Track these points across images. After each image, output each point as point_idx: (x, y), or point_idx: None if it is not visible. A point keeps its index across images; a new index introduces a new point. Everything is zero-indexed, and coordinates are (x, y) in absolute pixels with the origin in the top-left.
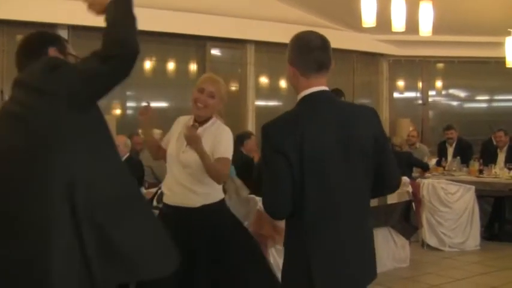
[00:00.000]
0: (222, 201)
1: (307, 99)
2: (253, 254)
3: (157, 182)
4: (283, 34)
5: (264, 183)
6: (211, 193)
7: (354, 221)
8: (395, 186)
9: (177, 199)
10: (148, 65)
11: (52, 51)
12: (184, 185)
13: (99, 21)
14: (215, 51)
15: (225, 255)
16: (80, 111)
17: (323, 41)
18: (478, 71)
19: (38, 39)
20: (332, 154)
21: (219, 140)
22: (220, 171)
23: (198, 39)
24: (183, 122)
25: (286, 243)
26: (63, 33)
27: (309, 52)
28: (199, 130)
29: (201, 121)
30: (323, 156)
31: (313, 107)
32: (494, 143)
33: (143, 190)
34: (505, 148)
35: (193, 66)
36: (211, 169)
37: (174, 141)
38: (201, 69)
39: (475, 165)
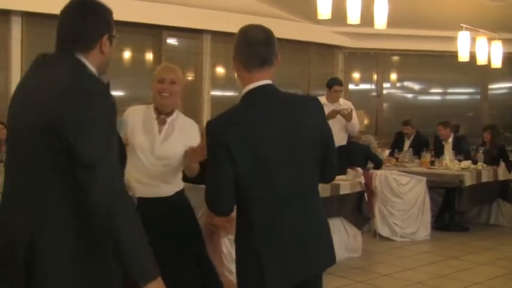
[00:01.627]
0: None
1: (251, 94)
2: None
3: None
4: (240, 24)
5: (208, 179)
6: (180, 180)
7: (304, 211)
8: (330, 179)
9: (149, 191)
10: None
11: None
12: (158, 177)
13: (55, 8)
14: (171, 41)
15: (192, 238)
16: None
17: (267, 36)
18: (431, 65)
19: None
20: (277, 148)
21: (191, 139)
22: (196, 170)
23: (153, 29)
24: (140, 111)
25: (237, 240)
26: (17, 21)
27: (250, 47)
28: (168, 122)
29: (166, 112)
30: (268, 150)
31: (257, 101)
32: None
33: None
34: (450, 140)
35: (149, 56)
36: (193, 169)
37: (141, 133)
38: (157, 58)
39: (427, 156)
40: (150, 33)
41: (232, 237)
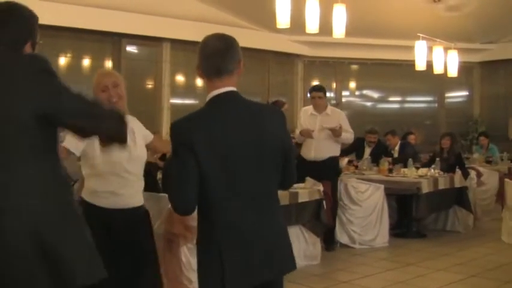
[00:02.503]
0: None
1: (214, 100)
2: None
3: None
4: (199, 33)
5: (171, 179)
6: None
7: (265, 216)
8: (287, 187)
9: (124, 201)
10: (63, 61)
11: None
12: (132, 186)
13: None
14: (130, 48)
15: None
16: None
17: (224, 46)
18: (389, 73)
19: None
20: (240, 151)
21: (145, 133)
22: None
23: (113, 36)
24: None
25: (199, 241)
26: None
27: (207, 58)
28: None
29: None
30: (231, 153)
31: (220, 106)
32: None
33: None
34: (396, 148)
35: (108, 63)
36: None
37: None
38: (116, 66)
39: (385, 164)
40: (110, 41)
41: (191, 245)
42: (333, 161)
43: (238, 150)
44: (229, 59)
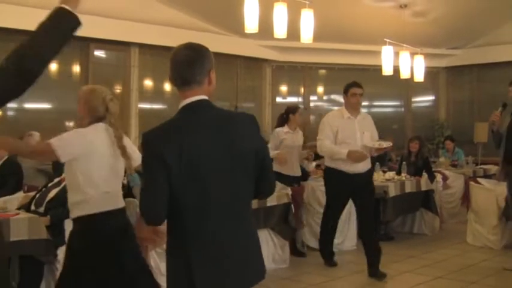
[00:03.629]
0: None
1: (186, 108)
2: None
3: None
4: (168, 37)
5: (142, 189)
6: None
7: (237, 226)
8: (266, 195)
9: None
10: None
11: None
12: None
13: None
14: (98, 53)
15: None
16: None
17: (193, 56)
18: (357, 78)
19: None
20: (211, 160)
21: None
22: None
23: (81, 41)
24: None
25: (168, 250)
26: None
27: (175, 68)
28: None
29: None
30: (203, 162)
31: (191, 116)
32: None
33: (21, 193)
34: None
35: (76, 68)
36: None
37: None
38: (84, 70)
39: None
40: (77, 46)
41: (160, 250)
42: (371, 172)
43: (210, 160)
44: (197, 69)
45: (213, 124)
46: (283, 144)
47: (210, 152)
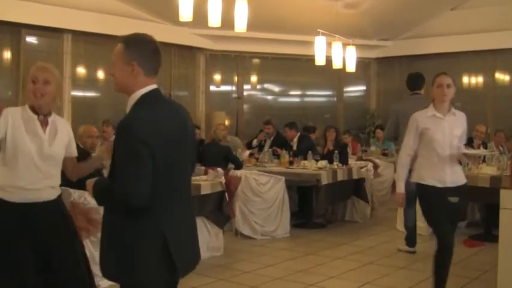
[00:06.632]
0: None
1: (149, 96)
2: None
3: None
4: (101, 24)
5: (129, 174)
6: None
7: (189, 205)
8: None
9: (37, 195)
10: None
11: None
12: (47, 179)
13: None
14: (30, 39)
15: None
16: None
17: (159, 48)
18: (290, 68)
19: None
20: (174, 146)
21: (72, 138)
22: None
23: (12, 26)
24: (18, 114)
25: (136, 224)
26: None
27: (151, 56)
28: (50, 122)
29: (44, 113)
30: (170, 148)
31: (157, 103)
32: None
33: None
34: (295, 139)
35: (7, 54)
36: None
37: (25, 137)
38: (16, 57)
39: (286, 156)
40: (8, 31)
41: (94, 238)
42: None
43: (174, 146)
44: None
45: (171, 112)
46: None
47: (176, 137)
